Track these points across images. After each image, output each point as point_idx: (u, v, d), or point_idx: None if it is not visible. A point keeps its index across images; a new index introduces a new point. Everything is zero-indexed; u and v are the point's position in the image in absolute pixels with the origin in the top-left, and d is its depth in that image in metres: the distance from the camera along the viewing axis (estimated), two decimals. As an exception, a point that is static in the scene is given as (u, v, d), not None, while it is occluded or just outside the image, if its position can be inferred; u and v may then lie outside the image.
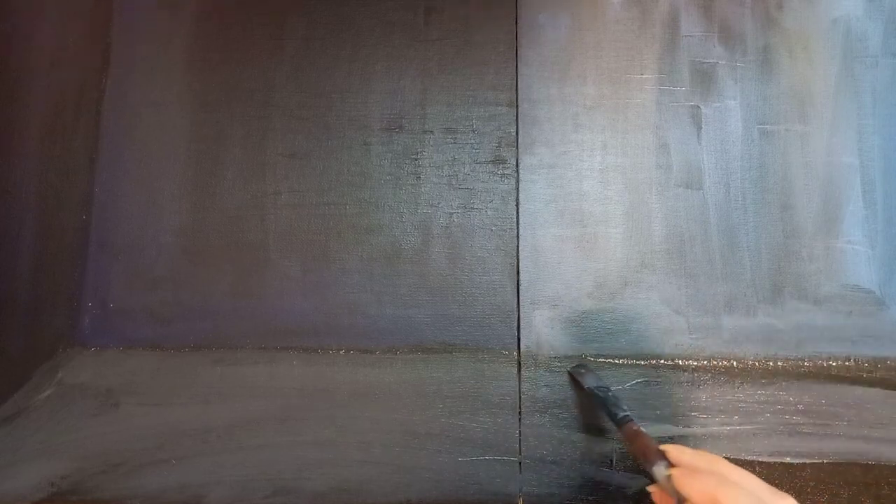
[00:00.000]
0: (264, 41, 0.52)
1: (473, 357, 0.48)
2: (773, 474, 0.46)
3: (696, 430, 0.46)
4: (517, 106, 0.51)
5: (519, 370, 0.48)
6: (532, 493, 0.46)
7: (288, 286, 0.49)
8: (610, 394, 0.44)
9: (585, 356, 0.48)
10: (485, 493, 0.46)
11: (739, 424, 0.47)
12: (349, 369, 0.48)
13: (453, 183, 0.50)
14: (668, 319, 0.48)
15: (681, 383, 0.47)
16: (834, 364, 0.47)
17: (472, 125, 0.51)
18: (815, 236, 0.49)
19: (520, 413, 0.47)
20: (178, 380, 0.48)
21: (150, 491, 0.47)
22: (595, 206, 0.50)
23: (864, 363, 0.47)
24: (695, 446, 0.46)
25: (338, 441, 0.47)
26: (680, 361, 0.48)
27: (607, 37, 0.52)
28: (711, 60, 0.51)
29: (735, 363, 0.47)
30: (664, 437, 0.46)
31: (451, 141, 0.51)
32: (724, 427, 0.46)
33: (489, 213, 0.50)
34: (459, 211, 0.50)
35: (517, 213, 0.50)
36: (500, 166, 0.50)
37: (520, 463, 0.46)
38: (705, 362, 0.47)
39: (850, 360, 0.47)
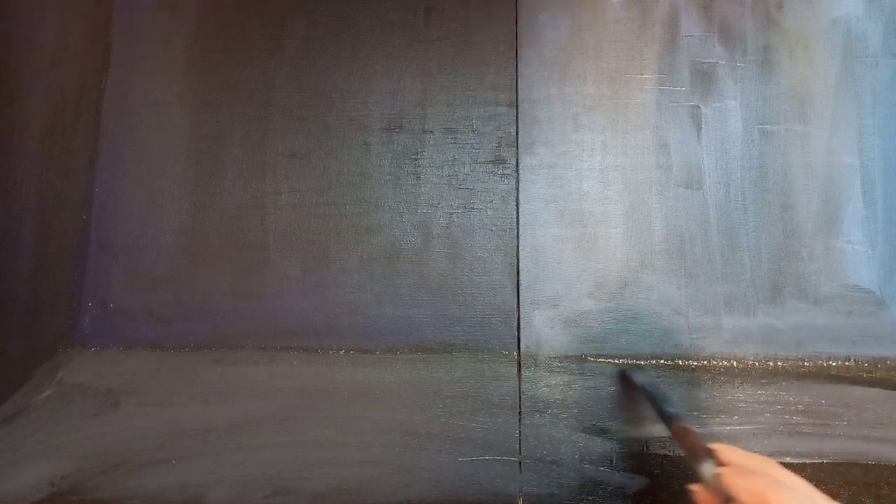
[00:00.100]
0: (264, 41, 0.52)
1: (473, 357, 0.48)
2: (773, 474, 0.46)
3: (696, 430, 0.46)
4: (517, 106, 0.51)
5: (519, 370, 0.48)
6: (532, 493, 0.46)
7: (288, 286, 0.49)
8: (659, 391, 0.44)
9: (585, 356, 0.48)
10: (485, 493, 0.46)
11: (739, 424, 0.47)
12: (349, 369, 0.48)
13: (453, 183, 0.50)
14: (668, 319, 0.48)
15: (681, 383, 0.47)
16: (834, 364, 0.47)
17: (472, 125, 0.51)
18: (815, 236, 0.49)
19: (520, 413, 0.47)
20: (178, 380, 0.48)
21: (150, 491, 0.47)
22: (595, 206, 0.50)
23: (864, 363, 0.47)
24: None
25: (338, 441, 0.47)
26: (680, 361, 0.47)
27: (607, 37, 0.52)
28: (711, 60, 0.51)
29: (735, 363, 0.47)
30: (664, 438, 0.46)
31: (451, 141, 0.51)
32: (724, 427, 0.46)
33: (489, 213, 0.50)
34: (459, 211, 0.50)
35: (517, 213, 0.50)
36: (500, 166, 0.50)
37: (520, 463, 0.46)
38: (705, 362, 0.47)
39: (850, 360, 0.47)
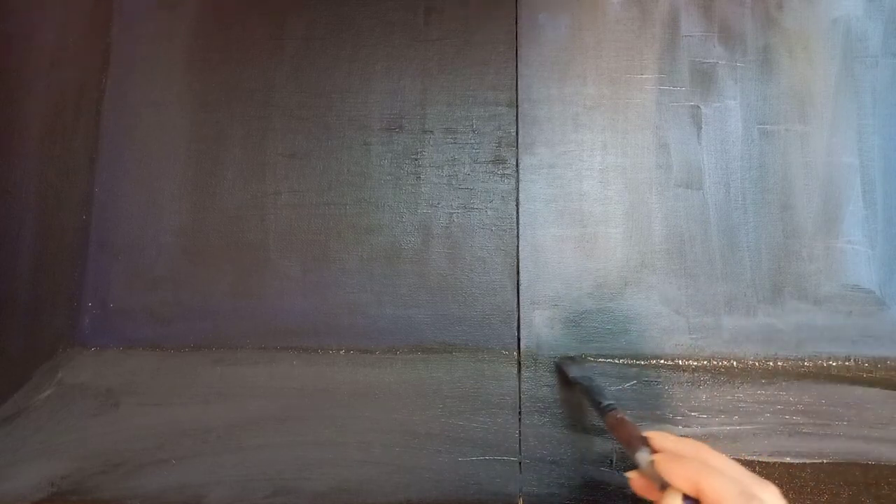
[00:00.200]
0: (264, 41, 0.52)
1: (473, 357, 0.48)
2: (773, 474, 0.46)
3: (696, 429, 0.46)
4: (517, 106, 0.51)
5: (519, 370, 0.48)
6: (532, 493, 0.46)
7: (288, 286, 0.49)
8: (594, 383, 0.44)
9: (585, 356, 0.48)
10: (485, 493, 0.46)
11: (739, 424, 0.47)
12: (349, 369, 0.48)
13: (453, 183, 0.50)
14: (668, 319, 0.48)
15: (681, 383, 0.47)
16: (834, 364, 0.47)
17: (472, 125, 0.51)
18: (815, 236, 0.49)
19: (520, 413, 0.47)
20: (178, 380, 0.48)
21: (150, 491, 0.47)
22: (595, 206, 0.50)
23: (864, 363, 0.47)
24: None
25: (338, 441, 0.47)
26: (680, 361, 0.48)
27: (607, 37, 0.52)
28: (711, 60, 0.51)
29: (735, 363, 0.47)
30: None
31: (451, 141, 0.51)
32: (724, 427, 0.46)
33: (489, 213, 0.50)
34: (459, 211, 0.50)
35: (517, 213, 0.50)
36: (500, 166, 0.50)
37: (520, 463, 0.46)
38: (705, 362, 0.47)
39: (850, 360, 0.47)
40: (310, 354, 0.48)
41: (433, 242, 0.50)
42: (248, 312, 0.49)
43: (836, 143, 0.50)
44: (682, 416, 0.47)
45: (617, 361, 0.47)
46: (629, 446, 0.36)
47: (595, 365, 0.47)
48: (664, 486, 0.33)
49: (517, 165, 0.50)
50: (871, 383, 0.47)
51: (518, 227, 0.49)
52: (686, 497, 0.32)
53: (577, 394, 0.46)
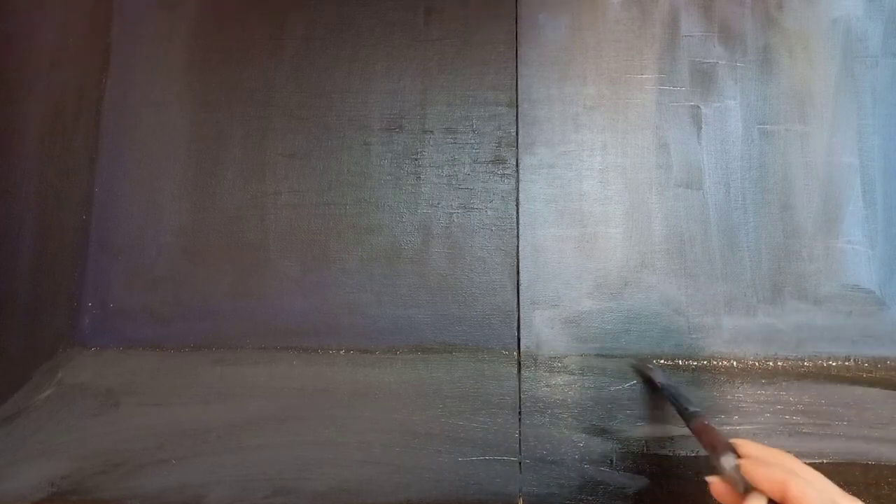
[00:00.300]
0: (264, 41, 0.52)
1: (473, 357, 0.48)
2: (773, 474, 0.46)
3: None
4: (517, 106, 0.51)
5: (519, 370, 0.48)
6: (532, 493, 0.46)
7: (288, 286, 0.49)
8: (680, 390, 0.44)
9: (585, 356, 0.48)
10: (485, 493, 0.46)
11: (739, 424, 0.47)
12: (349, 369, 0.48)
13: (453, 183, 0.50)
14: (668, 319, 0.48)
15: (681, 383, 0.47)
16: (834, 364, 0.47)
17: (472, 125, 0.51)
18: (815, 236, 0.49)
19: (520, 413, 0.47)
20: (178, 380, 0.48)
21: (150, 491, 0.47)
22: (595, 206, 0.50)
23: (864, 363, 0.47)
24: (695, 445, 0.46)
25: (338, 441, 0.47)
26: (680, 361, 0.47)
27: (607, 37, 0.52)
28: (711, 60, 0.51)
29: (735, 363, 0.47)
30: (664, 438, 0.46)
31: (451, 141, 0.51)
32: (724, 427, 0.46)
33: (489, 213, 0.50)
34: (459, 211, 0.50)
35: (517, 213, 0.50)
36: (500, 166, 0.50)
37: (520, 463, 0.46)
38: (705, 362, 0.47)
39: (850, 360, 0.47)
40: (310, 354, 0.48)
41: (433, 242, 0.50)
42: (248, 312, 0.49)
43: (836, 143, 0.50)
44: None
45: (617, 361, 0.47)
46: (714, 451, 0.36)
47: (595, 365, 0.47)
48: (747, 489, 0.33)
49: (517, 165, 0.50)
50: (871, 383, 0.47)
51: (518, 227, 0.49)
52: (771, 502, 0.32)
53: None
